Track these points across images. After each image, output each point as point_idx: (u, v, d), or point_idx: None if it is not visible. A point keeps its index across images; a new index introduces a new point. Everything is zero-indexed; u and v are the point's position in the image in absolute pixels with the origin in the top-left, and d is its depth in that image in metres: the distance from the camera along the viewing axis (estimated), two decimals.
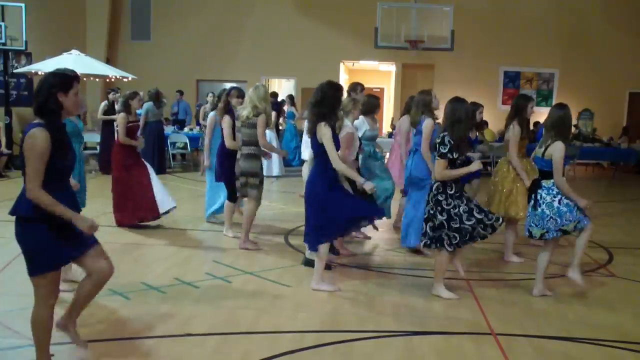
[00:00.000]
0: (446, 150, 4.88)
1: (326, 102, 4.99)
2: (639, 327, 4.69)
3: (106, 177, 11.56)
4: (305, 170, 6.03)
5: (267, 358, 3.84)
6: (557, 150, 4.89)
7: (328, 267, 5.60)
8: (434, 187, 4.99)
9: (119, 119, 7.41)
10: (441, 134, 4.97)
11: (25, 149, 3.18)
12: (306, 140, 6.74)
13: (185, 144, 13.90)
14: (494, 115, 15.99)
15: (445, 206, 4.93)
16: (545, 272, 5.25)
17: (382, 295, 5.21)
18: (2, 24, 12.50)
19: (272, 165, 12.37)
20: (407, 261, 6.34)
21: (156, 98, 12.63)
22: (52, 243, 3.27)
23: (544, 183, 4.99)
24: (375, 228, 7.12)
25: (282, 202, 9.56)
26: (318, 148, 5.02)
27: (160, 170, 12.50)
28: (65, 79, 3.29)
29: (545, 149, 4.96)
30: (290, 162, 14.41)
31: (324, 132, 4.93)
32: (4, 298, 4.80)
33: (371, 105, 6.79)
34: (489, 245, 6.82)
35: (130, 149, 7.42)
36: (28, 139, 3.17)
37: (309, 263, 5.72)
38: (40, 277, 3.30)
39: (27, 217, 3.23)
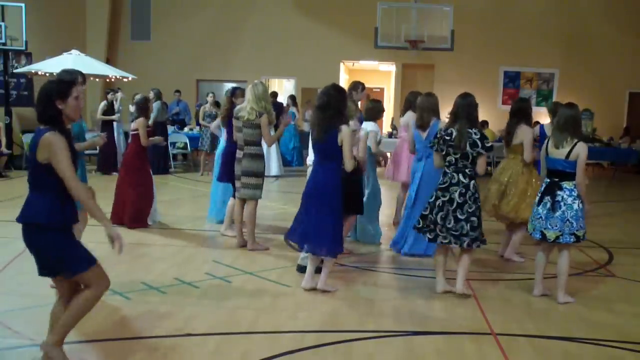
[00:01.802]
0: (490, 144, 4.97)
1: (334, 105, 4.99)
2: (639, 327, 4.69)
3: (105, 177, 11.58)
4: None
5: (267, 358, 3.84)
6: (582, 151, 4.88)
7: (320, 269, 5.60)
8: (471, 186, 4.98)
9: (140, 124, 7.35)
10: (476, 130, 4.97)
11: (52, 153, 3.15)
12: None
13: (185, 144, 13.89)
14: (494, 115, 16.00)
15: (479, 204, 5.07)
16: (544, 272, 5.24)
17: (382, 295, 5.21)
18: (2, 24, 12.50)
19: (271, 165, 12.36)
20: (407, 261, 6.34)
21: (161, 98, 12.65)
22: (75, 244, 3.39)
23: (566, 185, 4.92)
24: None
25: (282, 202, 9.55)
26: (335, 150, 4.97)
27: (164, 170, 12.53)
28: (62, 87, 3.30)
29: (570, 150, 4.87)
30: (289, 162, 14.41)
31: (346, 133, 4.93)
32: (4, 298, 4.80)
33: (378, 111, 6.77)
34: (489, 245, 6.80)
35: (145, 155, 7.52)
36: (48, 143, 3.16)
37: (303, 269, 5.63)
38: (87, 271, 3.40)
39: (46, 225, 3.24)
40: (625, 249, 7.23)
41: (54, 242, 3.29)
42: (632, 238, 7.94)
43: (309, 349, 4.00)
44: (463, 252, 5.15)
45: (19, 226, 3.31)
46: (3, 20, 12.65)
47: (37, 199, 3.25)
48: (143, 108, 7.50)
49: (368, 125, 6.49)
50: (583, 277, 5.94)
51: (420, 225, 5.17)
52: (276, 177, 12.55)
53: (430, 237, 5.15)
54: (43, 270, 3.38)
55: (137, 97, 7.83)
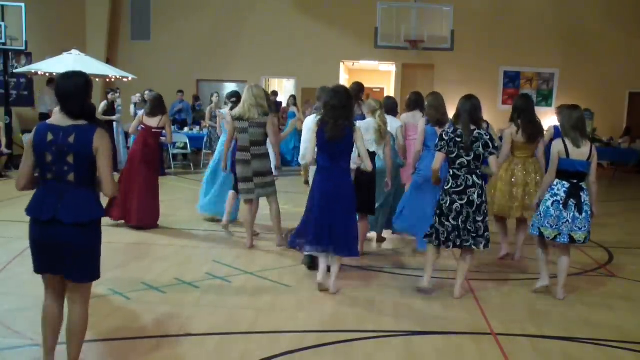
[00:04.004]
0: (497, 144, 5.13)
1: (348, 105, 5.05)
2: (639, 327, 4.69)
3: None
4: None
5: (267, 358, 3.84)
6: (596, 152, 5.04)
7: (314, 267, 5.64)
8: (484, 187, 5.02)
9: (169, 121, 7.59)
10: (484, 132, 5.00)
11: (102, 149, 3.20)
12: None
13: (186, 144, 13.89)
14: (494, 115, 15.98)
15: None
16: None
17: (382, 295, 5.21)
18: (2, 24, 12.50)
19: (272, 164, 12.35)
20: (407, 261, 6.34)
21: None
22: None
23: (584, 185, 5.05)
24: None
25: (283, 202, 9.52)
26: (350, 149, 5.04)
27: (162, 172, 12.44)
28: (90, 85, 3.33)
29: (590, 152, 4.99)
30: (289, 162, 14.40)
31: (359, 133, 5.03)
32: (4, 298, 4.80)
33: (395, 107, 6.83)
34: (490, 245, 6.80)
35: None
36: (103, 138, 3.21)
37: (312, 266, 5.66)
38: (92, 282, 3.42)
39: (98, 219, 3.29)
40: (625, 249, 7.23)
41: (100, 238, 3.37)
42: (632, 238, 7.94)
43: (309, 349, 4.00)
44: (466, 255, 5.15)
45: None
46: (3, 20, 12.65)
47: (88, 195, 3.24)
48: (164, 105, 7.63)
49: (392, 121, 6.44)
50: (583, 277, 5.94)
51: (443, 238, 5.05)
52: (275, 177, 12.53)
53: (444, 244, 5.07)
54: (92, 272, 3.34)
55: (151, 93, 7.78)
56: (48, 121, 3.29)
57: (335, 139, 4.97)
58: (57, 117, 3.26)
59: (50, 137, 3.18)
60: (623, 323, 4.74)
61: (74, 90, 3.22)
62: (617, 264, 6.49)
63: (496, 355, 4.04)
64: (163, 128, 7.51)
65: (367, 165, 5.07)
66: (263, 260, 6.13)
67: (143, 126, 7.47)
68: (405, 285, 5.53)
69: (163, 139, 7.78)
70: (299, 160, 6.10)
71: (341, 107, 4.99)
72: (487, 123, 6.98)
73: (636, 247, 7.43)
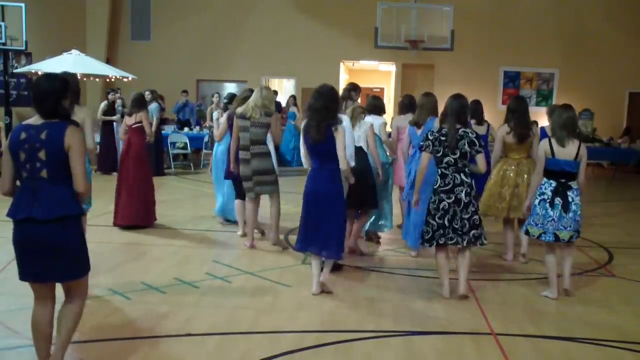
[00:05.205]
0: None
1: (331, 107, 4.99)
2: (639, 327, 4.69)
3: (105, 177, 11.58)
4: None
5: (267, 358, 3.84)
6: (586, 152, 5.05)
7: (339, 267, 5.67)
8: (472, 185, 5.03)
9: (144, 116, 7.53)
10: (470, 130, 5.02)
11: (74, 146, 3.18)
12: None
13: (185, 144, 13.89)
14: (494, 115, 15.97)
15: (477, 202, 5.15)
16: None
17: (382, 295, 5.20)
18: (2, 24, 12.51)
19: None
20: (407, 261, 6.34)
21: (156, 98, 12.63)
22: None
23: (573, 185, 5.05)
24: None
25: (283, 202, 9.52)
26: (334, 149, 5.00)
27: (158, 172, 12.44)
28: (66, 87, 3.33)
29: (578, 151, 4.99)
30: (289, 162, 14.41)
31: (340, 132, 4.97)
32: (4, 298, 4.80)
33: (381, 107, 6.79)
34: (489, 245, 6.80)
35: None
36: (74, 136, 3.19)
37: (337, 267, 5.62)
38: (87, 275, 3.43)
39: (76, 214, 3.28)
40: (625, 249, 7.23)
41: (82, 234, 3.36)
42: (632, 238, 7.93)
43: (309, 349, 4.00)
44: (462, 252, 5.15)
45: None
46: (3, 20, 12.66)
47: (64, 191, 3.23)
48: (142, 103, 7.58)
49: (375, 119, 6.46)
50: (583, 277, 5.93)
51: (428, 237, 5.07)
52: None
53: (436, 244, 5.08)
54: (77, 270, 3.34)
55: (134, 93, 7.81)
56: (24, 122, 3.32)
57: (319, 142, 4.95)
58: (33, 117, 3.29)
59: (23, 135, 3.20)
60: (623, 323, 4.74)
61: (47, 92, 3.23)
62: (617, 264, 6.48)
63: (496, 355, 4.04)
64: (140, 122, 7.43)
65: (341, 164, 4.94)
66: (263, 260, 6.13)
67: (126, 127, 7.49)
68: (405, 285, 5.53)
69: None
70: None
71: (323, 108, 4.93)
72: (489, 124, 7.00)
73: (636, 247, 7.43)
